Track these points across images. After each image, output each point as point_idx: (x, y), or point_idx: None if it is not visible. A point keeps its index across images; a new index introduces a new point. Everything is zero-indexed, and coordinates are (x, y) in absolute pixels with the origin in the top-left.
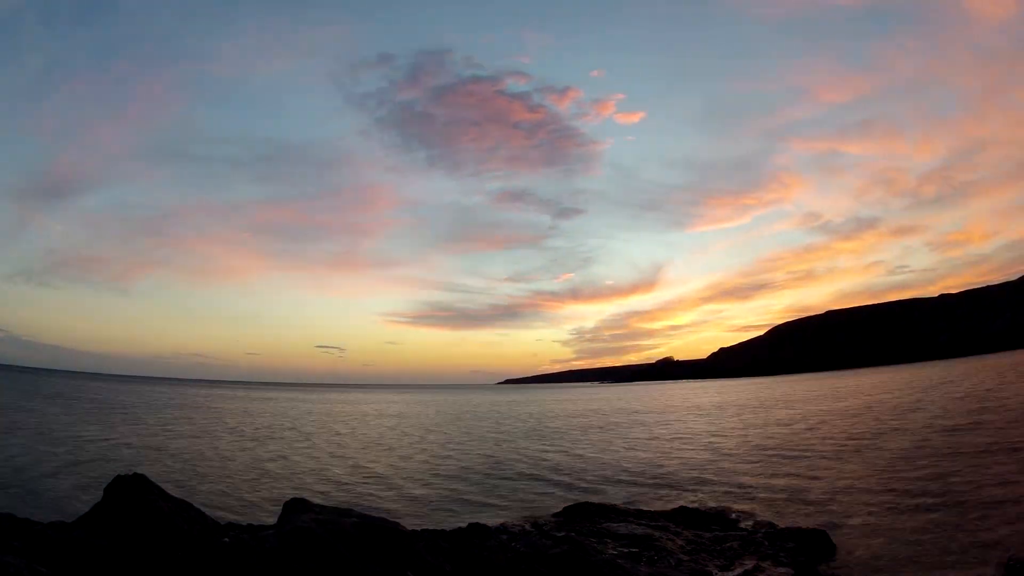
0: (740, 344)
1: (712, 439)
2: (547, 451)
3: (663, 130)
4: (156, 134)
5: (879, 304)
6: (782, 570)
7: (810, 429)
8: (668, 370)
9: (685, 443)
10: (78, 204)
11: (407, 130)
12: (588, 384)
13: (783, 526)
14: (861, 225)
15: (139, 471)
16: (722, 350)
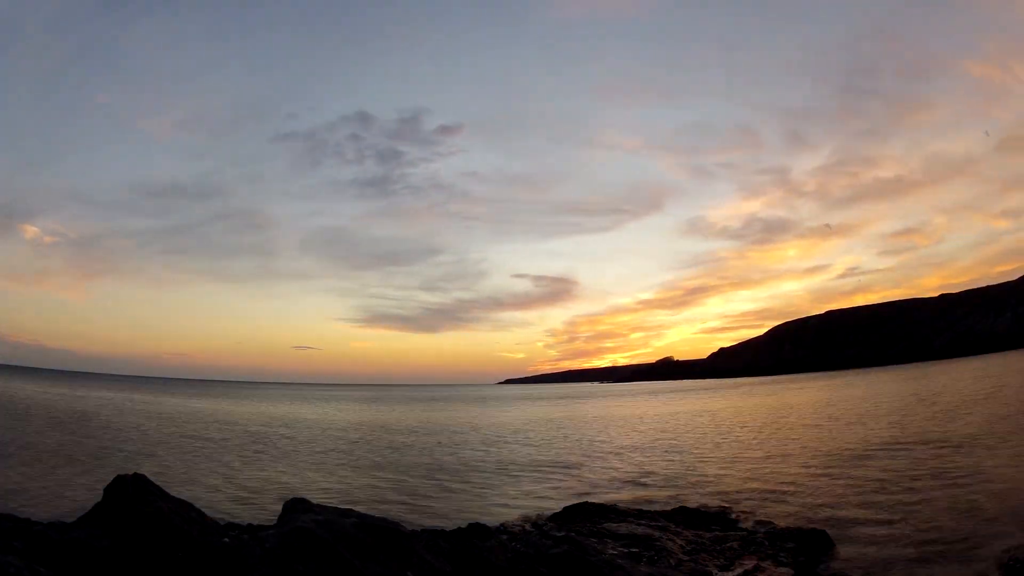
0: (740, 344)
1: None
2: None
3: (488, 144)
4: (65, 176)
5: (879, 304)
6: (782, 570)
7: (809, 431)
8: (668, 370)
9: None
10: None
11: (259, 166)
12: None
13: (783, 526)
14: (771, 228)
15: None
16: (722, 350)
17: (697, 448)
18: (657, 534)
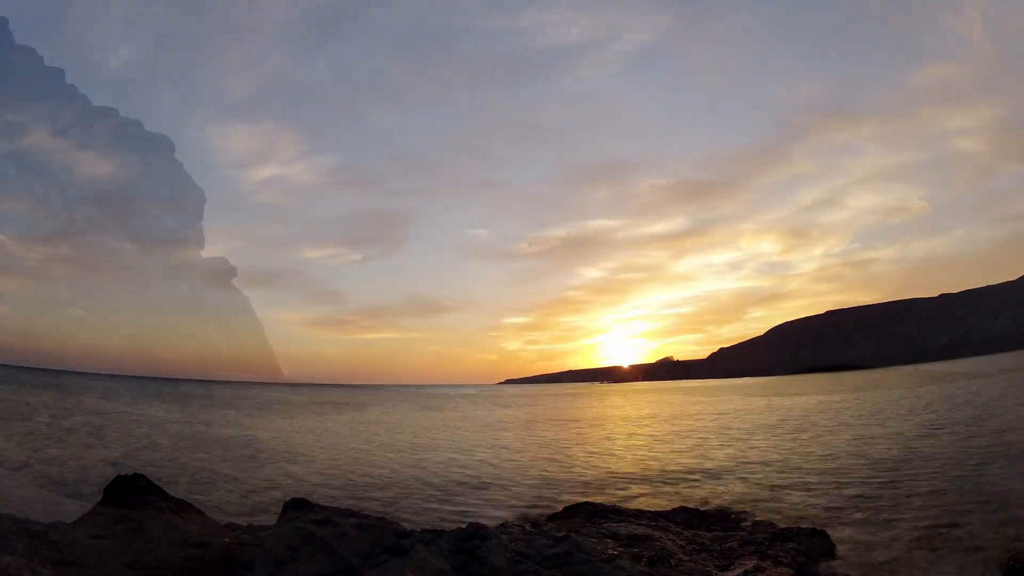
0: (741, 344)
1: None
2: None
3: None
4: None
5: (879, 304)
6: (782, 570)
7: (811, 431)
8: (669, 370)
9: None
10: None
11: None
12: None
13: (783, 526)
14: (574, 244)
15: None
16: (722, 350)
17: (697, 449)
18: (657, 534)
